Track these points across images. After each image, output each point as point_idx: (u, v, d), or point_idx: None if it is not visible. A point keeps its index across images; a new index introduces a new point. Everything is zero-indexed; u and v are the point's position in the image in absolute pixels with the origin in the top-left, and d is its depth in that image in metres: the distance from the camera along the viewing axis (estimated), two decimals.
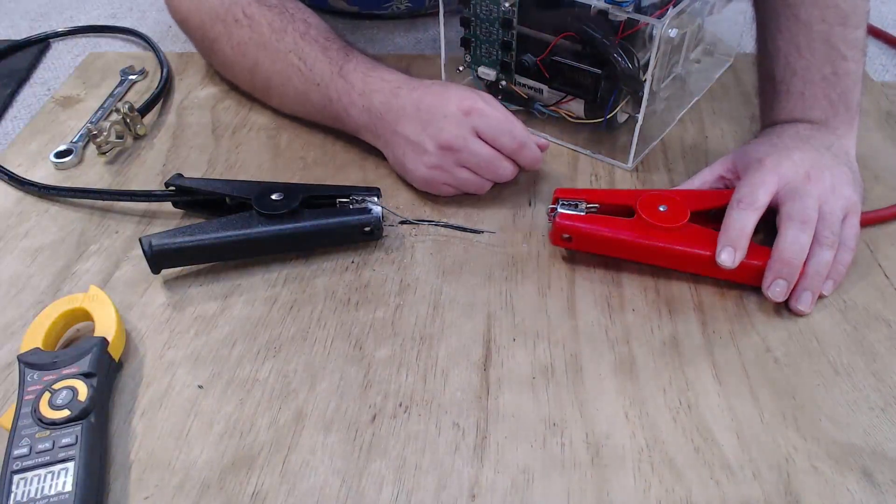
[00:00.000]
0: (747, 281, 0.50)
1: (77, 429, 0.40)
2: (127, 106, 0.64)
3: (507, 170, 0.55)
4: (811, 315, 0.49)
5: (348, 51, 0.60)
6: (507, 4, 0.59)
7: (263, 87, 0.65)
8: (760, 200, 0.49)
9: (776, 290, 0.48)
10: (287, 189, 0.53)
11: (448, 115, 0.54)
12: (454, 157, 0.54)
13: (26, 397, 0.41)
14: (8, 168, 0.62)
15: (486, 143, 0.54)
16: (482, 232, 0.55)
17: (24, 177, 0.60)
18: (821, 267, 0.48)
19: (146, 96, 0.69)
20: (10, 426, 0.40)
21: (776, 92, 0.57)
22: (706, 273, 0.51)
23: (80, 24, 0.86)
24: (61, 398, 0.41)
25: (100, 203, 0.59)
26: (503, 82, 0.66)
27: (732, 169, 0.55)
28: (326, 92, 0.59)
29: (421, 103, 0.55)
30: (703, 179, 0.56)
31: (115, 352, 0.45)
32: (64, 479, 0.38)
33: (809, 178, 0.50)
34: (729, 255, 0.48)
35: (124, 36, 0.85)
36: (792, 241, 0.48)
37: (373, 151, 0.61)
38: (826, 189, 0.50)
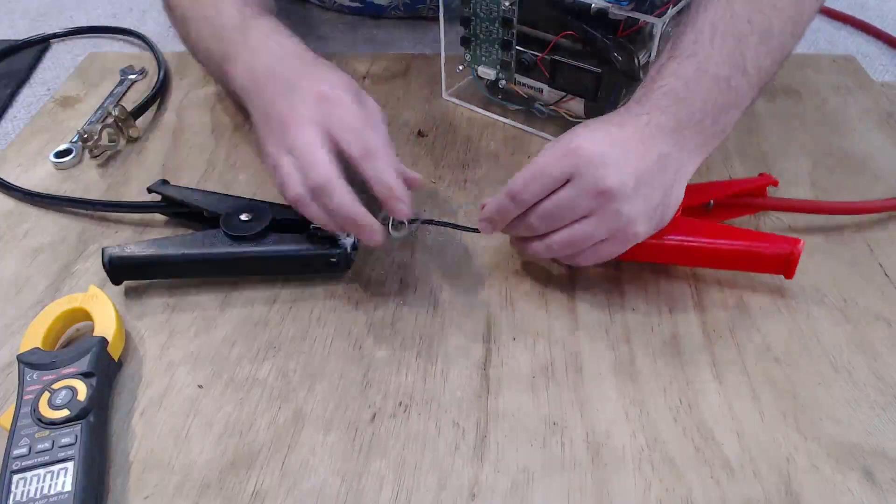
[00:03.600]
0: (733, 267, 0.50)
1: (76, 429, 0.40)
2: (118, 109, 0.64)
3: (315, 175, 0.44)
4: (812, 314, 0.49)
5: (264, 13, 0.56)
6: (507, 3, 0.59)
7: (190, 43, 0.62)
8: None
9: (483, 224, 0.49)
10: (257, 209, 0.51)
11: (306, 94, 0.47)
12: (280, 137, 0.46)
13: (26, 397, 0.41)
14: (6, 169, 0.62)
15: (332, 140, 0.46)
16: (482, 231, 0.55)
17: (14, 183, 0.60)
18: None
19: (146, 96, 0.69)
20: (9, 426, 0.40)
21: (671, 58, 0.49)
22: (701, 264, 0.51)
23: (80, 25, 0.86)
24: (60, 398, 0.41)
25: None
26: (503, 81, 0.66)
27: None
28: (225, 47, 0.55)
29: (296, 73, 0.49)
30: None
31: (115, 351, 0.45)
32: (63, 478, 0.38)
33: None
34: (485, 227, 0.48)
35: (124, 36, 0.85)
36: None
37: None
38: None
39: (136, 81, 0.74)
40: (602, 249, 0.46)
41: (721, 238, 0.48)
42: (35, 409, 0.40)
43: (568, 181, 0.44)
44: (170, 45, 0.81)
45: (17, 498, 0.37)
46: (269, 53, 0.52)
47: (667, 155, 0.46)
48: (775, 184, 0.55)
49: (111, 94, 0.72)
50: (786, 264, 0.48)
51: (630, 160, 0.44)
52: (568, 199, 0.44)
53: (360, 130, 0.45)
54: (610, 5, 0.54)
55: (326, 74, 0.50)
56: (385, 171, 0.45)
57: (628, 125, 0.46)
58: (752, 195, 0.56)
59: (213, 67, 0.60)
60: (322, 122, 0.46)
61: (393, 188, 0.45)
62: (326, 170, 0.44)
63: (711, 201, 0.53)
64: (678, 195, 0.47)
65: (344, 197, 0.44)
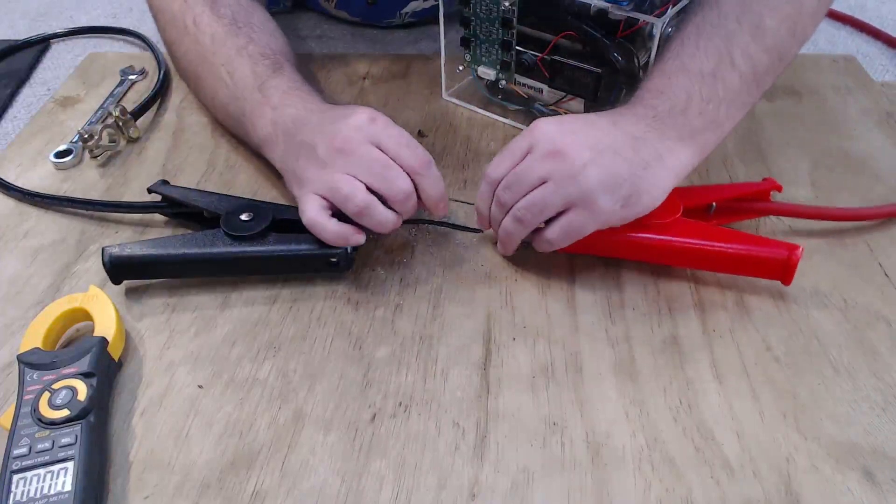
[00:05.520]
0: (731, 270, 0.50)
1: (76, 428, 0.40)
2: (119, 109, 0.64)
3: (401, 184, 0.47)
4: (812, 314, 0.49)
5: (279, 68, 0.57)
6: (506, 4, 0.59)
7: (203, 98, 0.64)
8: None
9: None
10: (257, 209, 0.51)
11: (351, 120, 0.49)
12: (345, 162, 0.48)
13: (26, 397, 0.41)
14: (7, 169, 0.62)
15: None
16: (482, 231, 0.55)
17: (14, 183, 0.60)
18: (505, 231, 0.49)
19: (146, 96, 0.69)
20: (9, 426, 0.40)
21: (658, 62, 0.52)
22: (699, 266, 0.51)
23: (80, 25, 0.86)
24: (61, 398, 0.41)
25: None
26: (503, 82, 0.66)
27: None
28: (242, 105, 0.56)
29: (326, 114, 0.51)
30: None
31: (115, 352, 0.45)
32: (63, 478, 0.38)
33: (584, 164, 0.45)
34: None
35: (124, 36, 0.85)
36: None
37: None
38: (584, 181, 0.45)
39: (136, 82, 0.74)
40: (568, 222, 0.47)
41: (719, 241, 0.48)
42: (35, 409, 0.40)
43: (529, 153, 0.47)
44: None
45: (17, 498, 0.37)
46: (293, 106, 0.53)
47: (640, 138, 0.47)
48: (779, 188, 0.55)
49: (111, 94, 0.72)
50: (783, 270, 0.48)
51: (592, 134, 0.47)
52: (525, 165, 0.47)
53: (412, 146, 0.49)
54: (610, 5, 0.54)
55: (360, 107, 0.51)
56: (438, 181, 0.50)
57: (599, 116, 0.49)
58: (755, 199, 0.55)
59: (229, 121, 0.61)
60: (374, 141, 0.48)
61: (444, 196, 0.51)
62: (408, 180, 0.48)
63: (714, 204, 0.53)
64: (660, 183, 0.47)
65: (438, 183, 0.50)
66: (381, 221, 0.48)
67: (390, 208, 0.48)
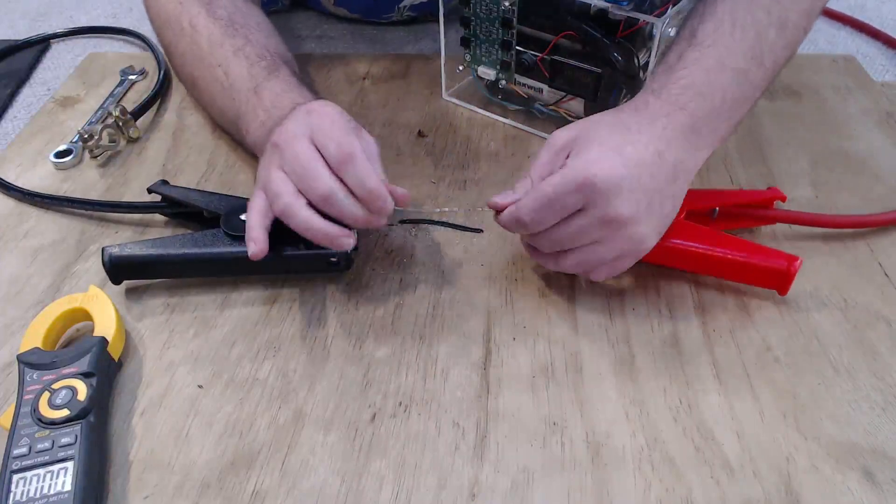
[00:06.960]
0: (728, 276, 0.50)
1: (76, 428, 0.40)
2: (119, 109, 0.64)
3: (318, 184, 0.44)
4: (812, 314, 0.49)
5: (275, 69, 0.56)
6: (507, 3, 0.59)
7: (201, 100, 0.64)
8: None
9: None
10: None
11: (293, 113, 0.48)
12: (278, 158, 0.46)
13: (26, 397, 0.41)
14: (6, 169, 0.62)
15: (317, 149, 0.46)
16: (482, 231, 0.55)
17: (14, 183, 0.60)
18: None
19: (146, 96, 0.69)
20: (9, 426, 0.40)
21: (691, 46, 0.48)
22: (696, 269, 0.51)
23: (80, 25, 0.86)
24: (60, 398, 0.41)
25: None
26: (503, 82, 0.66)
27: (568, 145, 0.46)
28: (238, 106, 0.56)
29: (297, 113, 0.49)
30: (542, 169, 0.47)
31: (115, 351, 0.45)
32: (63, 478, 0.38)
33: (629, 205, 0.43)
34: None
35: (124, 36, 0.85)
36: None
37: None
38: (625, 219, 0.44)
39: (136, 82, 0.74)
40: (615, 266, 0.47)
41: (719, 246, 0.48)
42: (35, 409, 0.40)
43: (580, 209, 0.44)
44: None
45: (17, 498, 0.37)
46: (283, 108, 0.52)
47: (680, 161, 0.46)
48: (783, 199, 0.55)
49: (111, 94, 0.72)
50: (781, 280, 0.48)
51: (643, 182, 0.44)
52: (580, 228, 0.45)
53: (336, 138, 0.45)
54: (610, 5, 0.54)
55: (311, 101, 0.49)
56: (362, 178, 0.44)
57: (643, 134, 0.45)
58: (758, 206, 0.55)
59: (226, 124, 0.61)
60: (308, 134, 0.46)
61: (376, 194, 0.45)
62: (328, 180, 0.44)
63: (717, 209, 0.53)
64: (682, 198, 0.47)
65: (348, 200, 0.45)
66: (299, 225, 0.45)
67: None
